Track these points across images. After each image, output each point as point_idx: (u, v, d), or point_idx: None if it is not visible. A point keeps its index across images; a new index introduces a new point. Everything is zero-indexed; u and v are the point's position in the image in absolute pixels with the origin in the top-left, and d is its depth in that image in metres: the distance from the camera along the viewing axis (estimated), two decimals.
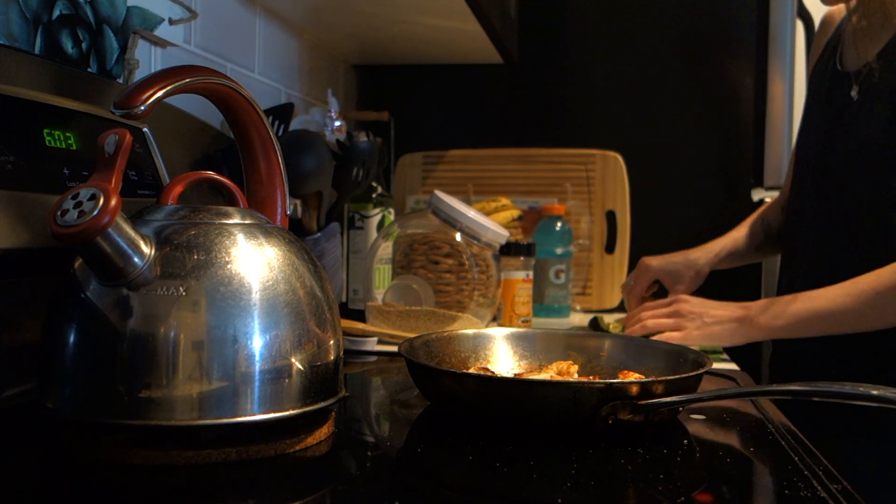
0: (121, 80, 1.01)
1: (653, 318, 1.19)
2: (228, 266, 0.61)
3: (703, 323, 1.15)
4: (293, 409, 0.62)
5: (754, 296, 1.83)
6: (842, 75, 1.24)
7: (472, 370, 0.87)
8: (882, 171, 1.15)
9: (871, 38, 1.20)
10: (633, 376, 0.82)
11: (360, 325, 1.17)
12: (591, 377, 0.86)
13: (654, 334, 1.18)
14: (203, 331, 0.59)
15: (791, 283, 1.32)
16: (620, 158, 1.79)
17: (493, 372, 0.86)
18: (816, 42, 1.41)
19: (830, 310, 1.10)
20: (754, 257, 1.47)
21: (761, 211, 1.47)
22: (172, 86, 0.63)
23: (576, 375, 0.85)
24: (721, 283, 1.49)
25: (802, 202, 1.29)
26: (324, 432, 0.66)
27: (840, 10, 1.33)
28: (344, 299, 1.44)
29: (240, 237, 0.63)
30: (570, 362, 0.87)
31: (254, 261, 0.62)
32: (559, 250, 1.59)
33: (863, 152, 1.17)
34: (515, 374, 0.87)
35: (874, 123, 1.15)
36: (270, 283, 0.62)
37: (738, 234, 1.45)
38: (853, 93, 1.20)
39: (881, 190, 1.15)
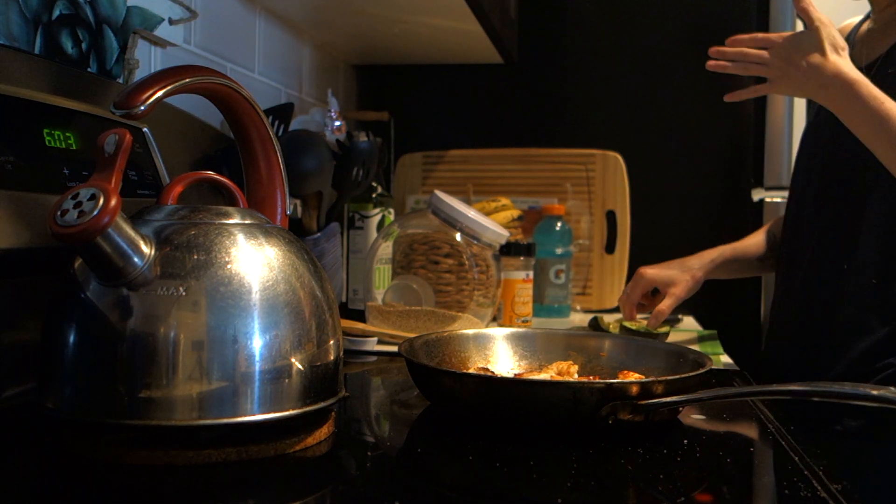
0: (121, 80, 1.01)
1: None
2: (228, 266, 0.61)
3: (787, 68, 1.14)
4: (293, 409, 0.62)
5: (754, 297, 1.84)
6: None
7: (472, 370, 0.87)
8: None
9: (886, 32, 1.21)
10: (633, 376, 0.82)
11: (360, 325, 1.17)
12: (591, 377, 0.86)
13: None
14: (203, 331, 0.59)
15: (789, 286, 1.31)
16: (620, 158, 1.79)
17: (493, 372, 0.86)
18: None
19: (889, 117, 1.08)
20: (757, 269, 1.46)
21: (768, 225, 1.47)
22: (172, 86, 0.63)
23: (576, 375, 0.85)
24: (722, 286, 1.49)
25: (803, 205, 1.29)
26: (324, 432, 0.66)
27: (847, 26, 1.35)
28: (344, 299, 1.44)
29: (240, 237, 0.63)
30: (570, 362, 0.87)
31: (254, 261, 0.62)
32: (559, 250, 1.59)
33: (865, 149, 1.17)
34: (515, 374, 0.87)
35: None
36: (270, 283, 0.62)
37: (739, 244, 1.44)
38: None
39: (888, 185, 1.14)
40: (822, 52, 1.11)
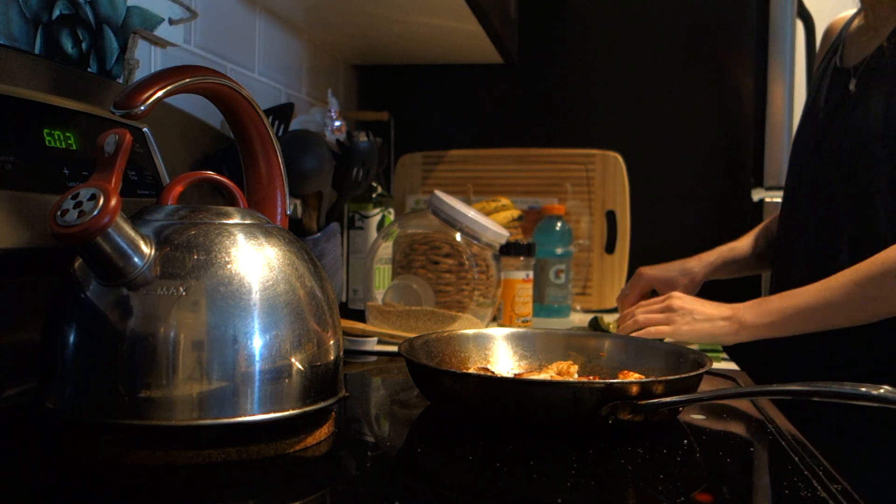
0: (121, 80, 1.01)
1: (644, 313, 1.20)
2: (228, 266, 0.61)
3: (692, 319, 1.16)
4: (293, 409, 0.62)
5: (753, 297, 1.83)
6: (841, 71, 1.25)
7: (472, 370, 0.87)
8: (874, 164, 1.15)
9: (875, 31, 1.21)
10: (633, 376, 0.82)
11: (360, 325, 1.17)
12: (591, 377, 0.86)
13: (641, 331, 1.19)
14: (203, 331, 0.59)
15: (783, 281, 1.32)
16: (620, 158, 1.79)
17: (493, 372, 0.86)
18: (819, 51, 1.42)
19: (813, 304, 1.11)
20: (755, 267, 1.47)
21: (765, 222, 1.48)
22: (172, 86, 0.63)
23: (576, 375, 0.85)
24: (721, 288, 1.49)
25: (797, 201, 1.30)
26: (324, 432, 0.66)
27: (840, 19, 1.35)
28: (344, 299, 1.44)
29: (240, 237, 0.63)
30: (570, 362, 0.87)
31: (254, 261, 0.62)
32: (559, 250, 1.59)
33: (856, 144, 1.18)
34: (515, 374, 0.87)
35: (870, 112, 1.16)
36: (270, 283, 0.62)
37: (736, 244, 1.46)
38: (851, 86, 1.21)
39: (871, 183, 1.15)
40: (718, 331, 1.16)
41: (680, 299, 1.20)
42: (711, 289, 1.42)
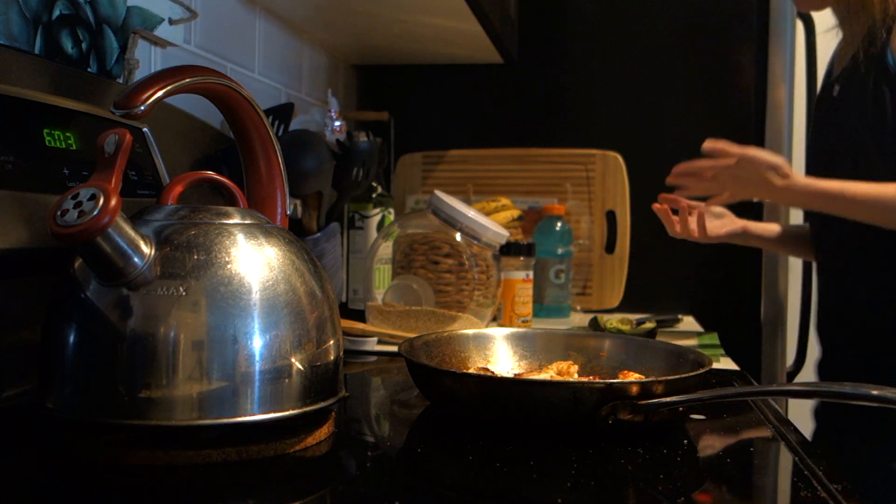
0: (121, 80, 1.01)
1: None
2: (228, 266, 0.61)
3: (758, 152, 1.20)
4: (293, 409, 0.62)
5: (753, 297, 1.83)
6: (831, 79, 1.30)
7: (472, 370, 0.87)
8: (856, 166, 1.18)
9: (848, 43, 1.26)
10: (633, 376, 0.82)
11: (360, 325, 1.17)
12: (591, 377, 0.86)
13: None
14: (203, 331, 0.59)
15: (826, 285, 1.35)
16: (620, 158, 1.79)
17: (493, 372, 0.86)
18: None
19: (852, 193, 1.13)
20: (784, 246, 1.51)
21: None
22: (172, 86, 0.63)
23: (576, 375, 0.85)
24: (721, 285, 1.49)
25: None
26: (324, 432, 0.66)
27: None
28: (344, 299, 1.44)
29: (240, 237, 0.63)
30: (570, 362, 0.87)
31: (254, 261, 0.62)
32: (559, 250, 1.59)
33: (838, 147, 1.22)
34: (515, 374, 0.87)
35: (848, 116, 1.20)
36: (270, 283, 0.62)
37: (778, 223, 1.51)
38: (835, 92, 1.24)
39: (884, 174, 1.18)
40: (768, 184, 1.17)
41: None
42: (710, 286, 1.42)
